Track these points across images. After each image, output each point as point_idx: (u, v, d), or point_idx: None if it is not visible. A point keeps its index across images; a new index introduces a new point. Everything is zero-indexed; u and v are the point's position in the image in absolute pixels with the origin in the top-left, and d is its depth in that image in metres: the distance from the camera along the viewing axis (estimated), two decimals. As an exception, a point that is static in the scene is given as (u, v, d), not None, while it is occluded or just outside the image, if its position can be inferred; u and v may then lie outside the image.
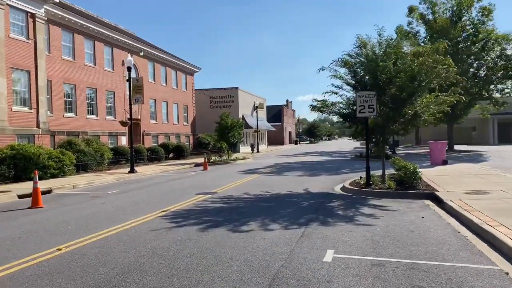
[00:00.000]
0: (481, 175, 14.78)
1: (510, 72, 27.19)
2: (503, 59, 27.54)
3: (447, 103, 12.71)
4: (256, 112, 50.23)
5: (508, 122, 51.19)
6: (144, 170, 23.12)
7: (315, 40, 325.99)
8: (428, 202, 10.84)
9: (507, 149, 34.08)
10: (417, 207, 10.01)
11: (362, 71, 13.11)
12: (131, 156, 22.00)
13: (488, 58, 28.48)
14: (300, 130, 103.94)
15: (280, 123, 75.51)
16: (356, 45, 13.16)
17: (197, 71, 45.38)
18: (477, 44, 27.97)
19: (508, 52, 27.72)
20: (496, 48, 27.73)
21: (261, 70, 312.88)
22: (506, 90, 30.51)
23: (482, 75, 29.47)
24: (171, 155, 34.17)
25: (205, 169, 23.13)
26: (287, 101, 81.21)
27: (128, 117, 23.29)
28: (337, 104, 13.54)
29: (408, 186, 12.38)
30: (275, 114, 76.34)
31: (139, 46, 33.52)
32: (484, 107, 32.78)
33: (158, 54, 36.76)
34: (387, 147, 38.63)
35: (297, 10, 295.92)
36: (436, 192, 11.39)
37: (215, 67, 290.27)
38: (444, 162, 19.98)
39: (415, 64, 11.71)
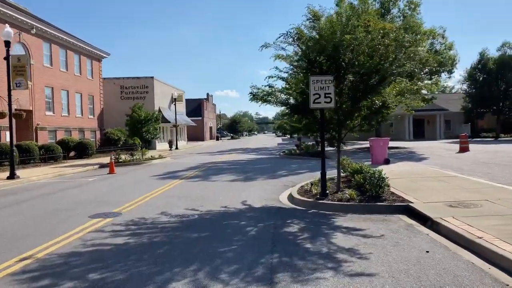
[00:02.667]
0: (439, 177, 12.91)
1: (438, 68, 26.84)
2: (433, 53, 27.14)
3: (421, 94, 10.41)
4: (175, 105, 45.91)
5: (420, 119, 53.32)
6: (32, 174, 18.17)
7: (235, 36, 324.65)
8: (405, 218, 8.36)
9: (431, 145, 34.36)
10: (401, 229, 7.41)
11: (316, 51, 10.25)
12: (11, 157, 16.95)
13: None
14: (221, 126, 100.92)
15: (200, 118, 71.70)
16: (308, 18, 10.27)
17: (105, 57, 39.77)
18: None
19: (437, 47, 27.38)
20: (424, 43, 27.19)
21: (180, 63, 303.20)
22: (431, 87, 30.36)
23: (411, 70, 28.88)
24: (72, 153, 28.82)
25: (111, 172, 18.79)
26: (207, 94, 77.47)
27: (13, 107, 18.03)
28: (284, 92, 10.56)
29: (371, 196, 9.86)
30: (195, 108, 72.30)
31: (31, 22, 27.53)
32: (409, 102, 32.50)
33: (57, 34, 30.88)
34: (313, 143, 37.20)
35: (217, 3, 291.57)
36: (411, 204, 8.97)
37: (128, 57, 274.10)
38: (387, 161, 18.22)
39: (387, 42, 9.14)
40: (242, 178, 15.27)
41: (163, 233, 7.31)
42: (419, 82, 29.47)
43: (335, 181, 12.51)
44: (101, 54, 38.87)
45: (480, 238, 6.20)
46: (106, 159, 24.09)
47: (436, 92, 36.55)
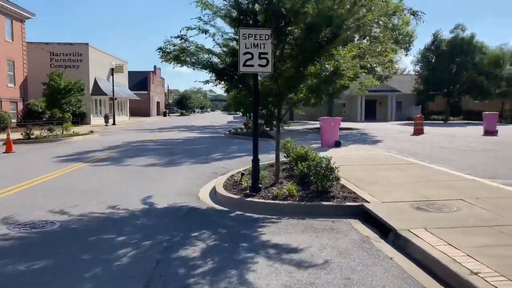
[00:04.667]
0: (398, 165, 10.87)
1: (395, 44, 25.08)
2: (389, 28, 25.30)
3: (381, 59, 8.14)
4: (113, 76, 41.60)
5: (372, 100, 52.47)
6: None
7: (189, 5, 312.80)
8: (359, 225, 6.12)
9: (383, 126, 33.02)
10: (354, 247, 5.11)
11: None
12: None
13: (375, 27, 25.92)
14: (171, 101, 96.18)
15: (146, 92, 67.11)
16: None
17: (29, 17, 34.67)
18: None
19: (395, 21, 25.53)
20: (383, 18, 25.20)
21: (123, 32, 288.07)
22: (386, 65, 28.71)
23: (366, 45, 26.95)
24: (-21, 127, 24.55)
25: (7, 151, 15.27)
26: (154, 67, 72.57)
27: None
28: (204, 50, 7.83)
29: (316, 191, 7.53)
30: (141, 81, 67.50)
31: None
32: (363, 81, 30.78)
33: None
34: (262, 121, 34.40)
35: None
36: (367, 205, 6.71)
37: (62, 23, 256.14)
38: (337, 144, 16.13)
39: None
40: (164, 162, 12.49)
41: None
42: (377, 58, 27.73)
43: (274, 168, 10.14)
44: (24, 13, 33.75)
45: (476, 274, 3.96)
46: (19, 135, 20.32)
47: (391, 72, 35.16)
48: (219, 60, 7.89)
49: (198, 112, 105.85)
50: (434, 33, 43.90)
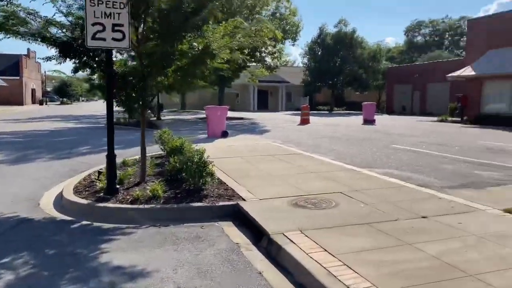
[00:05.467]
0: (282, 155, 10.36)
1: (283, 33, 25.08)
2: (278, 19, 25.24)
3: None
4: (-31, 57, 35.22)
5: (265, 91, 53.32)
6: None
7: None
8: (232, 230, 5.26)
9: (274, 116, 33.31)
10: (218, 261, 4.22)
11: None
12: None
13: (262, 15, 25.63)
14: (50, 89, 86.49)
15: (18, 77, 59.02)
16: None
17: None
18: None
19: (282, 10, 25.52)
20: (269, 4, 25.02)
21: None
22: (275, 55, 28.84)
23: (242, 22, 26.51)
24: None
25: None
26: (28, 50, 64.10)
27: None
28: (41, 19, 6.18)
29: (188, 190, 6.51)
30: (11, 65, 59.16)
31: None
32: (253, 71, 30.61)
33: None
34: (149, 111, 32.35)
35: None
36: (242, 203, 5.88)
37: None
38: (225, 134, 15.32)
39: None
40: (11, 160, 10.24)
41: None
42: (264, 49, 27.61)
43: (148, 163, 8.85)
44: None
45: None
46: None
47: (281, 63, 35.70)
48: (62, 32, 6.29)
49: (82, 100, 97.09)
50: (320, 26, 46.02)
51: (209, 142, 13.62)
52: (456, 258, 3.85)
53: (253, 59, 27.90)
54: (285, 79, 50.96)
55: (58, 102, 74.21)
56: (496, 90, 24.30)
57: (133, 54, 7.29)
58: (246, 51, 26.00)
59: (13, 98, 57.42)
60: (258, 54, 27.31)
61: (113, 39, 6.07)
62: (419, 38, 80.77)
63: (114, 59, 8.41)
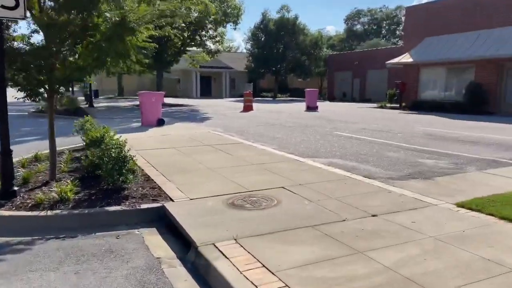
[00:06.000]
0: (221, 145, 9.53)
1: (224, 16, 23.95)
2: (218, 0, 23.98)
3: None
4: None
5: (208, 77, 51.91)
6: None
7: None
8: (155, 239, 4.44)
9: (217, 103, 32.13)
10: (131, 286, 3.29)
11: None
12: None
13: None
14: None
15: None
16: None
17: None
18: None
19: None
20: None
21: None
22: (217, 39, 27.67)
23: (195, 16, 25.08)
24: None
25: None
26: None
27: None
28: None
29: (107, 189, 5.52)
30: None
31: None
32: (194, 56, 29.21)
33: None
34: (83, 98, 29.68)
35: None
36: (169, 205, 5.01)
37: None
38: (160, 122, 14.16)
39: None
40: None
41: None
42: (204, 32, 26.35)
43: (65, 157, 7.69)
44: None
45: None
46: None
47: (223, 48, 34.54)
48: None
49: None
50: (263, 12, 45.31)
51: (142, 132, 12.46)
52: (416, 269, 3.27)
53: (193, 43, 26.55)
54: (228, 65, 49.88)
55: None
56: (431, 76, 25.07)
57: (36, 27, 6.06)
58: (184, 34, 24.56)
59: None
60: (199, 37, 26.02)
61: (3, 6, 4.86)
62: (358, 26, 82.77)
63: (15, 33, 7.16)
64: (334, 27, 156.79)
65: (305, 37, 44.59)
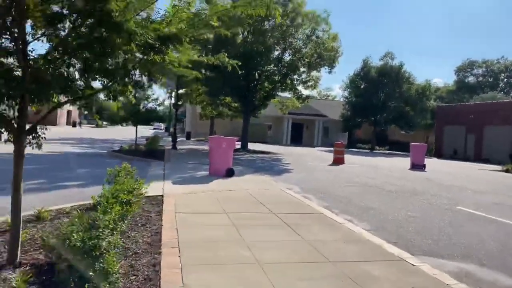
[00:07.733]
0: (288, 214, 6.79)
1: (319, 59, 21.78)
2: (313, 42, 22.03)
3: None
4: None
5: (300, 124, 49.98)
6: None
7: None
8: None
9: (306, 152, 29.49)
10: None
11: None
12: None
13: (297, 38, 22.53)
14: (86, 112, 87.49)
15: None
16: None
17: None
18: (285, 18, 21.43)
19: (320, 33, 22.35)
20: (305, 26, 21.91)
21: None
22: (309, 84, 25.52)
23: (288, 59, 23.42)
24: None
25: None
26: (68, 72, 64.84)
27: None
28: None
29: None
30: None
31: None
32: (284, 101, 27.35)
33: None
34: (169, 136, 29.18)
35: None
36: None
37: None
38: (230, 173, 11.94)
39: None
40: None
41: None
42: (296, 76, 24.44)
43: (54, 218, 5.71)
44: None
45: None
46: None
47: (319, 95, 32.32)
48: None
49: (124, 125, 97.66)
50: (364, 59, 42.62)
51: (203, 183, 10.29)
52: None
53: (283, 87, 24.71)
54: (322, 112, 47.51)
55: (94, 125, 74.37)
56: None
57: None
58: (274, 77, 22.71)
59: (47, 120, 57.30)
60: (289, 81, 24.11)
61: None
62: (470, 78, 75.32)
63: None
64: (441, 80, 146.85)
65: (410, 86, 40.56)
